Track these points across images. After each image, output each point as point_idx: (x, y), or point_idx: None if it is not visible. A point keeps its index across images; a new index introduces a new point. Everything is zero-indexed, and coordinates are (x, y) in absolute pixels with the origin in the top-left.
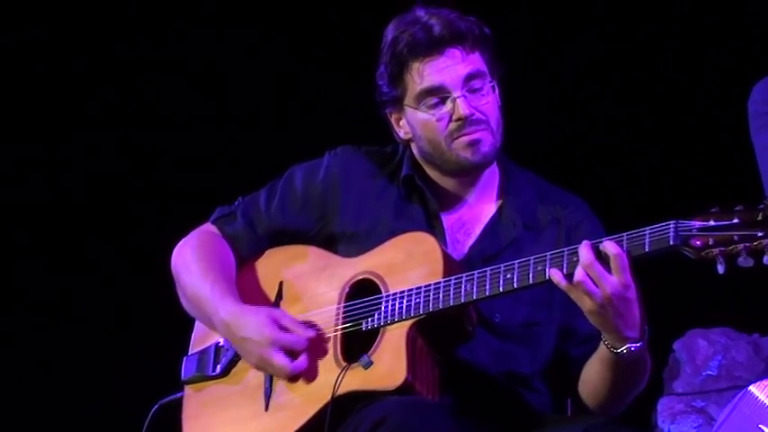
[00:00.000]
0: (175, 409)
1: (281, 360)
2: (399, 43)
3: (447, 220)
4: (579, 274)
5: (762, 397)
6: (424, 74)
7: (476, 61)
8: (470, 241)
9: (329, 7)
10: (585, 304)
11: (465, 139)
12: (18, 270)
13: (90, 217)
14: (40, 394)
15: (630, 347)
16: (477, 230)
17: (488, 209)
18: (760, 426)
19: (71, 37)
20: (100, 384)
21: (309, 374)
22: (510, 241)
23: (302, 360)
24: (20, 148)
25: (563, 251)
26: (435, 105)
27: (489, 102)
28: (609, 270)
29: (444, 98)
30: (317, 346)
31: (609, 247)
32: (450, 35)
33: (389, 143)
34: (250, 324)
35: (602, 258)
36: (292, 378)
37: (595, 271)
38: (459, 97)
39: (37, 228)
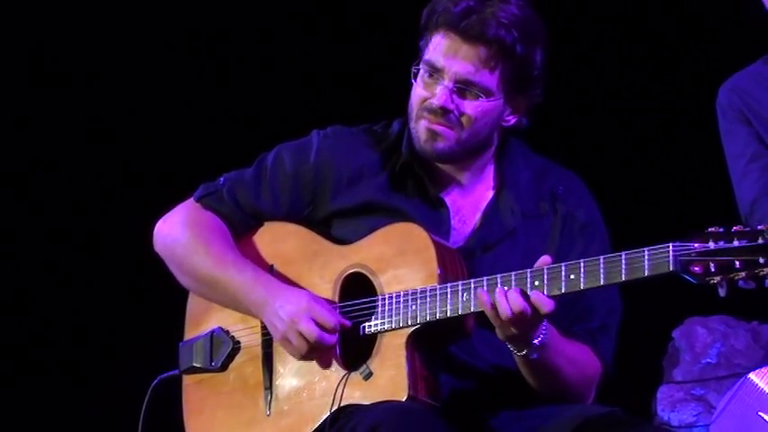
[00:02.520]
0: (174, 386)
1: (310, 327)
2: (441, 4)
3: (449, 207)
4: (504, 311)
5: (761, 384)
6: (436, 46)
7: (488, 74)
8: (468, 229)
9: None
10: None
11: (425, 123)
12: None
13: (77, 198)
14: (38, 376)
15: (524, 353)
16: (475, 218)
17: (485, 194)
18: (760, 413)
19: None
20: (98, 361)
21: (320, 364)
22: (508, 231)
23: (330, 336)
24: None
25: (560, 266)
26: (429, 76)
27: (475, 114)
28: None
29: (436, 78)
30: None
31: (541, 301)
32: (478, 33)
33: (376, 121)
34: (289, 296)
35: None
36: (313, 350)
37: (521, 318)
38: (443, 86)
39: (24, 211)
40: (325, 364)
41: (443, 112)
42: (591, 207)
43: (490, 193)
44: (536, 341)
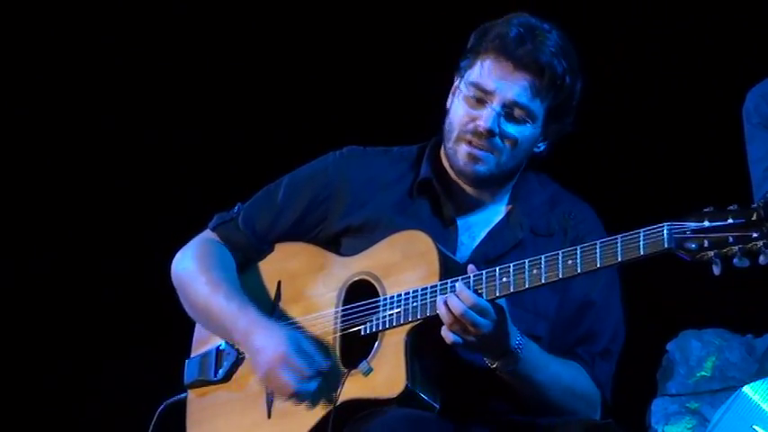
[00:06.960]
0: (180, 410)
1: (287, 377)
2: (493, 31)
3: (461, 224)
4: (457, 314)
5: (755, 398)
6: (487, 70)
7: (537, 100)
8: (474, 243)
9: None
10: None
11: (467, 148)
12: (21, 268)
13: (95, 217)
14: (44, 397)
15: (496, 365)
16: (483, 233)
17: (498, 211)
18: (753, 427)
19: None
20: (103, 386)
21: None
22: (514, 243)
23: (309, 385)
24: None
25: (557, 253)
26: (473, 99)
27: (519, 137)
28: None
29: (483, 101)
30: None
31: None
32: (531, 61)
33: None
34: (269, 337)
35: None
36: (293, 396)
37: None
38: (491, 109)
39: (42, 227)
40: (324, 369)
41: (489, 134)
42: (601, 235)
43: (503, 210)
44: (515, 347)
